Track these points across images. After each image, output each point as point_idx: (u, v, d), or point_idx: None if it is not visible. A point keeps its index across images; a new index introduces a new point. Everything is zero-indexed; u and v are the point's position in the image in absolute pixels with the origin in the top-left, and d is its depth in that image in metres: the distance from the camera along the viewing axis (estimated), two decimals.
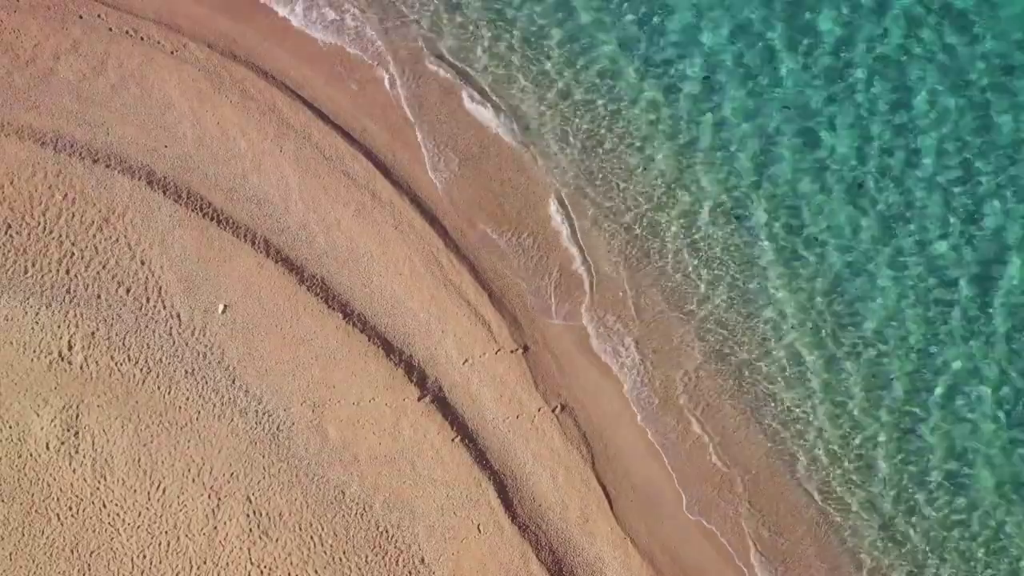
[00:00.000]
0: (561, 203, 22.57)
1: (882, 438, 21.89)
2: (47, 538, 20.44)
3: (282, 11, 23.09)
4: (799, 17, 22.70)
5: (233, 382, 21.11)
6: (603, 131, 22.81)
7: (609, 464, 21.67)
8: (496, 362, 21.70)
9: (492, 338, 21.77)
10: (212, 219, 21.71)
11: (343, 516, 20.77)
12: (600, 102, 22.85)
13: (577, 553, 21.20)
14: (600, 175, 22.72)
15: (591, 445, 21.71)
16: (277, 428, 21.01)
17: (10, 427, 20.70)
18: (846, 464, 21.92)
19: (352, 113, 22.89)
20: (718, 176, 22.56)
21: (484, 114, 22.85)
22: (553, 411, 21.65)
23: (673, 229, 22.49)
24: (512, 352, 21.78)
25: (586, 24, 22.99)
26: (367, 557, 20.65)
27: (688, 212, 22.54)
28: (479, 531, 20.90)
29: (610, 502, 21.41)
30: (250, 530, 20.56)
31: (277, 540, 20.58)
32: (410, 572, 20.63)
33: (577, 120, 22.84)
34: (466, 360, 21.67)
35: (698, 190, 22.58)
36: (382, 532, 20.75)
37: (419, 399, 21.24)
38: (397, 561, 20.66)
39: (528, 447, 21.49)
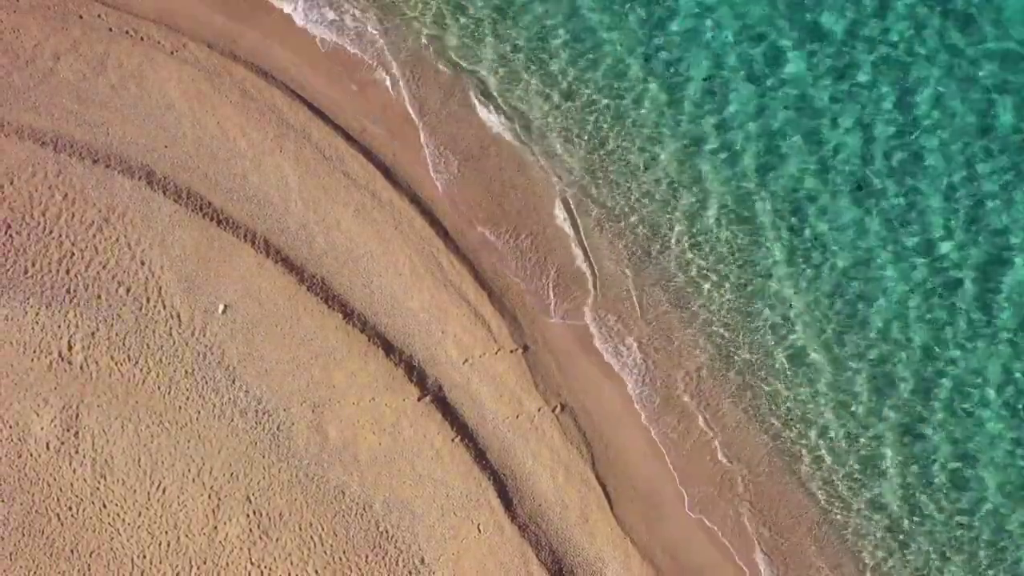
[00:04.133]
0: (565, 203, 22.60)
1: (887, 438, 21.87)
2: (47, 538, 20.44)
3: (286, 7, 23.07)
4: (804, 17, 22.79)
5: (233, 382, 21.12)
6: (607, 131, 22.83)
7: (609, 464, 21.67)
8: (496, 362, 21.70)
9: (492, 338, 21.77)
10: (212, 219, 21.71)
11: (343, 516, 20.77)
12: (604, 102, 22.87)
13: (577, 553, 21.20)
14: (603, 174, 22.73)
15: (591, 445, 21.71)
16: (277, 428, 21.01)
17: (10, 427, 20.70)
18: (850, 464, 21.91)
19: (352, 113, 22.90)
20: (722, 176, 22.58)
21: (486, 115, 22.86)
22: (553, 411, 21.65)
23: (677, 229, 22.51)
24: (512, 352, 21.78)
25: (591, 24, 23.02)
26: (367, 557, 20.65)
27: (692, 212, 22.55)
28: (479, 531, 20.90)
29: (610, 502, 21.41)
30: (250, 530, 20.56)
31: (277, 540, 20.58)
32: (410, 572, 20.63)
33: (581, 120, 22.87)
34: (466, 360, 21.67)
35: (702, 190, 22.60)
36: (382, 532, 20.76)
37: (419, 399, 21.24)
38: (397, 561, 20.66)
39: (528, 447, 21.49)
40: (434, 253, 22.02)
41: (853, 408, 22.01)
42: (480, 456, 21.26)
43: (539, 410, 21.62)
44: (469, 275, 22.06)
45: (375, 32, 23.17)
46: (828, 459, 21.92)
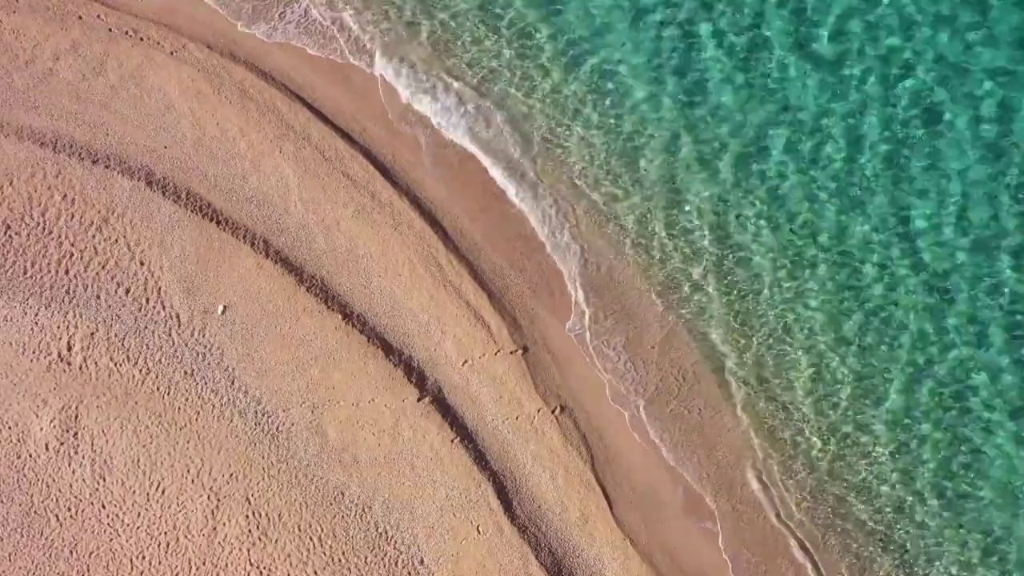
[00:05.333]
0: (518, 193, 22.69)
1: (876, 446, 21.80)
2: (46, 539, 20.45)
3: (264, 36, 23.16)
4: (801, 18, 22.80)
5: (232, 383, 21.11)
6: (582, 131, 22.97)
7: (609, 465, 21.65)
8: (496, 363, 21.69)
9: (492, 339, 21.75)
10: (212, 220, 21.72)
11: (342, 517, 20.76)
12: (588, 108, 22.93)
13: (577, 554, 21.18)
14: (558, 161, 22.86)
15: (591, 446, 21.69)
16: (276, 429, 21.00)
17: (9, 428, 20.71)
18: (837, 471, 21.89)
19: (352, 113, 22.90)
20: (700, 177, 22.57)
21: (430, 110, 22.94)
22: (553, 412, 21.63)
23: (658, 224, 22.52)
24: (512, 353, 21.77)
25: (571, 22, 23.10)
26: (366, 558, 20.65)
27: (672, 207, 22.50)
28: (478, 532, 20.89)
29: (610, 503, 21.39)
30: (249, 531, 20.56)
31: (276, 541, 20.58)
32: (409, 573, 20.62)
33: (560, 115, 22.93)
34: (465, 361, 21.66)
35: (676, 189, 22.65)
36: (381, 533, 20.75)
37: (418, 400, 21.23)
38: (396, 562, 20.66)
39: (527, 448, 21.48)
40: (434, 254, 22.02)
41: (836, 414, 21.99)
42: (479, 457, 21.25)
43: (539, 411, 21.60)
44: (469, 276, 22.05)
45: (342, 40, 23.28)
46: (803, 471, 21.90)
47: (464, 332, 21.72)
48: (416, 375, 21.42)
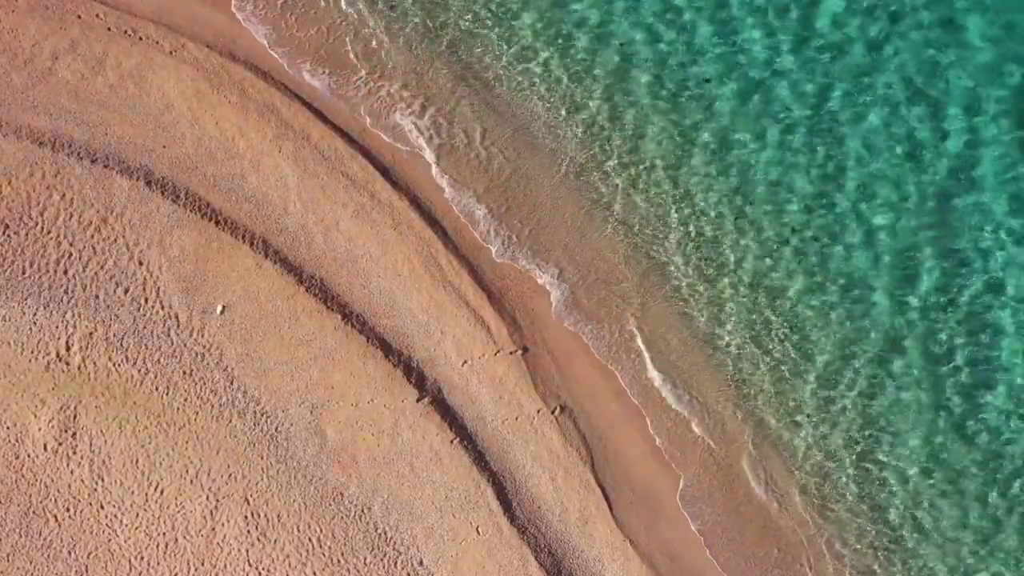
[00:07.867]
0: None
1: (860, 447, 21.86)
2: (45, 539, 20.42)
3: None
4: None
5: (231, 383, 21.08)
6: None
7: (608, 466, 21.63)
8: (495, 363, 21.66)
9: (491, 339, 21.72)
10: (211, 219, 21.68)
11: (341, 518, 20.73)
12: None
13: (576, 555, 21.16)
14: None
15: (590, 447, 21.66)
16: (275, 429, 20.97)
17: (8, 428, 20.67)
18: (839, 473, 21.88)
19: (351, 113, 22.85)
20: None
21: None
22: (552, 413, 21.60)
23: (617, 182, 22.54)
24: (511, 353, 21.74)
25: None
26: (365, 559, 20.61)
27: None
28: (478, 533, 20.86)
29: (609, 504, 21.37)
30: (248, 531, 20.52)
31: (275, 542, 20.54)
32: (408, 574, 20.59)
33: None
34: (465, 361, 21.62)
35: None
36: (380, 534, 20.72)
37: (418, 400, 21.20)
38: (396, 563, 20.62)
39: (527, 449, 21.45)
40: (433, 254, 21.98)
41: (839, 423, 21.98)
42: (479, 458, 21.22)
43: (538, 412, 21.57)
44: (468, 276, 22.02)
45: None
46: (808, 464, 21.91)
47: (464, 332, 21.69)
48: (415, 375, 21.39)
